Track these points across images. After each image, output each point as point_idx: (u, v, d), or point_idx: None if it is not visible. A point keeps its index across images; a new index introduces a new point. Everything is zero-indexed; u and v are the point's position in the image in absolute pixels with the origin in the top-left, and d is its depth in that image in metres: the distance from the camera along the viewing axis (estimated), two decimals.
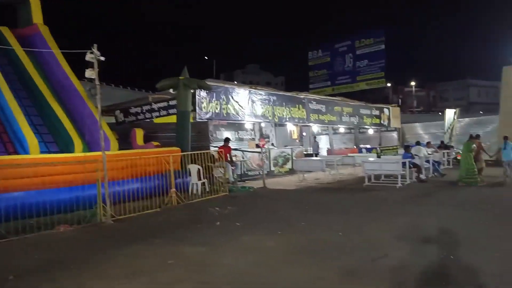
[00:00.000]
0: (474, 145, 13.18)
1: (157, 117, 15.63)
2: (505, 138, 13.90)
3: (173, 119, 13.85)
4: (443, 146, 20.49)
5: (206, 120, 14.15)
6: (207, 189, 11.86)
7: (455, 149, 21.78)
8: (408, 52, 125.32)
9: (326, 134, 26.37)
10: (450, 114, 24.21)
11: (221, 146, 13.41)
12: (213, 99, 14.22)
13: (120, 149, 12.92)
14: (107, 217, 8.37)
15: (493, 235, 6.50)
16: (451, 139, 23.43)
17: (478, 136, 15.22)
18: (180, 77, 12.92)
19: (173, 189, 10.23)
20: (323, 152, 24.70)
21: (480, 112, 26.09)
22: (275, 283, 4.76)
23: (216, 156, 12.51)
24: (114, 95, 31.30)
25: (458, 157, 20.75)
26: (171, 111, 14.65)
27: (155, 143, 13.89)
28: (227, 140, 13.75)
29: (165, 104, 15.21)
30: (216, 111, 14.33)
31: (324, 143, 26.61)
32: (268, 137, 22.15)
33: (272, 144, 21.18)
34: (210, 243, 6.55)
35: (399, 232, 6.89)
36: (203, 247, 6.30)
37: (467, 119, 25.87)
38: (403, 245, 6.08)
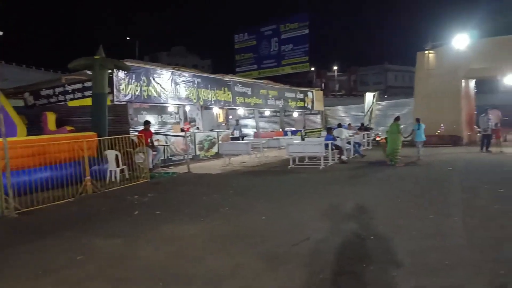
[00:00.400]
0: (402, 126, 13.81)
1: (71, 100, 14.49)
2: (417, 120, 14.72)
3: (89, 102, 12.90)
4: (363, 128, 21.35)
5: (125, 103, 13.35)
6: (127, 176, 11.25)
7: (374, 130, 22.83)
8: (330, 37, 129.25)
9: (253, 117, 26.37)
10: (369, 97, 25.24)
11: (141, 130, 12.74)
12: (133, 81, 13.46)
13: (29, 134, 11.87)
14: (10, 210, 7.55)
15: (410, 214, 6.73)
16: (370, 121, 24.48)
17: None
18: (95, 57, 12.01)
19: (88, 177, 9.51)
20: (250, 135, 24.70)
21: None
22: (195, 274, 4.49)
23: (137, 141, 11.90)
24: (25, 77, 28.99)
25: (377, 138, 21.80)
26: (86, 93, 13.64)
27: (69, 128, 12.90)
28: (147, 123, 13.07)
29: (80, 85, 14.15)
30: (136, 93, 13.59)
31: (250, 126, 26.63)
32: (195, 121, 21.67)
33: (198, 128, 20.75)
34: (127, 234, 6.10)
35: (322, 213, 6.91)
36: (119, 239, 5.85)
37: (385, 102, 27.13)
38: (326, 227, 6.07)
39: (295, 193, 9.00)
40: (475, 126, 20.34)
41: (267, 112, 26.42)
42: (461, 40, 19.70)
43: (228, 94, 18.46)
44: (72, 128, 13.08)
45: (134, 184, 10.71)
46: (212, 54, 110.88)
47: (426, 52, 21.32)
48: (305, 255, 4.89)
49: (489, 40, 19.81)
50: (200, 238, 5.82)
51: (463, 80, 20.20)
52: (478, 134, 18.22)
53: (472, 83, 21.89)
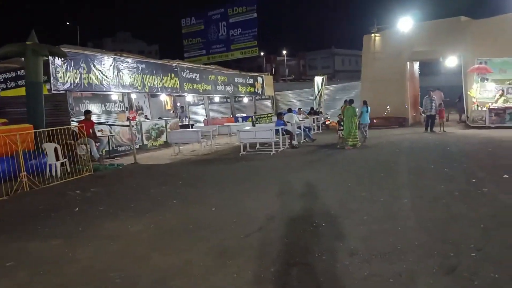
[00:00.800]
0: (358, 109, 13.92)
1: (3, 89, 13.47)
2: (364, 102, 14.92)
3: (23, 91, 11.99)
4: (312, 112, 21.48)
5: (63, 91, 12.53)
6: (68, 170, 10.59)
7: (324, 114, 23.03)
8: (279, 22, 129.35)
9: (202, 104, 25.87)
10: (318, 81, 25.38)
11: (81, 120, 12.04)
12: (71, 68, 12.63)
13: None
14: None
15: (361, 197, 6.70)
16: (320, 105, 24.66)
17: (347, 102, 16.12)
18: (27, 42, 11.11)
19: (24, 173, 8.83)
20: (200, 122, 24.26)
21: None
22: (140, 275, 4.18)
23: (78, 132, 11.22)
24: None
25: (327, 122, 22.04)
26: (20, 82, 12.71)
27: (2, 120, 11.96)
28: (87, 113, 12.36)
29: (12, 74, 13.18)
30: (76, 81, 12.78)
31: (201, 113, 26.16)
32: (142, 109, 20.96)
33: (146, 116, 20.08)
34: (65, 234, 5.65)
35: (274, 201, 6.76)
36: (56, 240, 5.40)
37: (333, 86, 27.41)
38: (278, 215, 5.91)
39: (247, 181, 8.81)
40: (419, 107, 21.00)
41: (217, 98, 26.01)
42: (405, 23, 20.14)
43: (175, 80, 17.87)
44: (5, 120, 12.15)
45: (76, 178, 10.10)
46: (159, 39, 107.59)
47: (372, 35, 21.64)
48: (257, 247, 4.69)
49: (430, 23, 20.39)
50: (146, 234, 5.49)
51: (407, 63, 20.69)
52: (423, 115, 18.80)
53: (416, 65, 22.51)
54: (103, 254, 4.86)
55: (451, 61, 19.72)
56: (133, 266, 4.43)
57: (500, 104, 16.92)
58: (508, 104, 16.73)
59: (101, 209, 6.98)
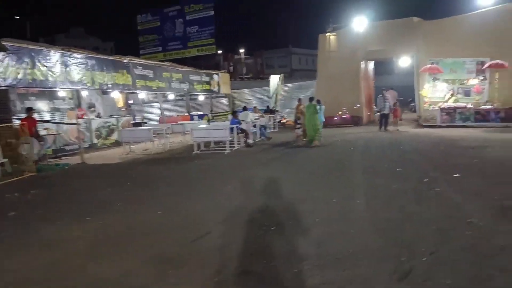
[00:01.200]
0: (319, 106, 13.88)
1: None
2: (318, 101, 14.95)
3: None
4: (269, 110, 21.38)
5: (5, 87, 11.71)
6: (9, 171, 9.88)
7: (280, 113, 22.98)
8: (237, 20, 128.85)
9: (157, 101, 25.23)
10: (275, 80, 25.32)
11: (23, 118, 11.30)
12: (13, 63, 11.81)
13: None
14: None
15: (314, 197, 6.55)
16: (276, 103, 24.60)
17: (300, 100, 16.08)
18: None
19: None
20: (155, 120, 23.63)
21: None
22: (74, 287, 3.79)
23: (20, 130, 10.51)
24: None
25: (283, 121, 21.99)
26: None
27: None
28: (29, 110, 11.61)
29: None
30: (18, 76, 11.94)
31: (156, 111, 25.51)
32: (94, 106, 20.10)
33: (99, 114, 19.28)
34: None
35: (225, 203, 6.47)
36: None
37: (290, 85, 27.45)
38: (228, 218, 5.65)
39: (199, 181, 8.49)
40: (373, 106, 21.34)
41: (172, 96, 25.44)
42: (359, 23, 20.37)
43: (128, 77, 17.19)
44: None
45: (17, 179, 9.45)
46: (114, 36, 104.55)
47: (328, 34, 21.76)
48: (203, 254, 4.40)
49: (384, 23, 20.73)
50: (84, 241, 5.06)
51: (362, 62, 20.95)
52: (377, 114, 19.09)
53: (371, 65, 22.86)
54: (35, 263, 4.42)
55: (404, 61, 20.16)
56: (67, 277, 4.03)
57: (450, 103, 17.43)
58: (458, 104, 17.27)
59: (39, 213, 6.47)
